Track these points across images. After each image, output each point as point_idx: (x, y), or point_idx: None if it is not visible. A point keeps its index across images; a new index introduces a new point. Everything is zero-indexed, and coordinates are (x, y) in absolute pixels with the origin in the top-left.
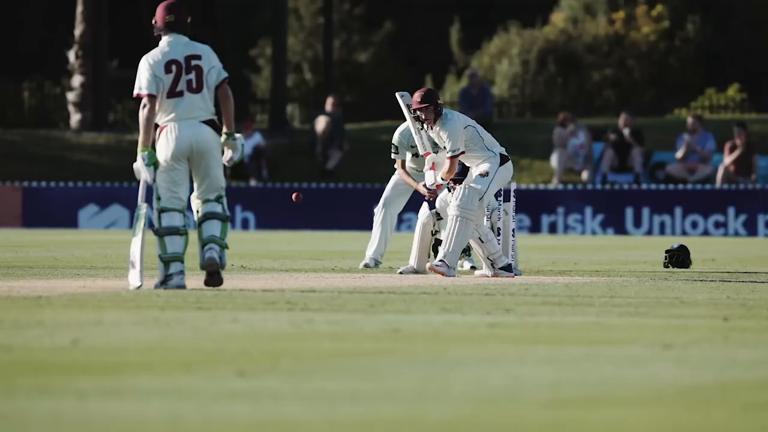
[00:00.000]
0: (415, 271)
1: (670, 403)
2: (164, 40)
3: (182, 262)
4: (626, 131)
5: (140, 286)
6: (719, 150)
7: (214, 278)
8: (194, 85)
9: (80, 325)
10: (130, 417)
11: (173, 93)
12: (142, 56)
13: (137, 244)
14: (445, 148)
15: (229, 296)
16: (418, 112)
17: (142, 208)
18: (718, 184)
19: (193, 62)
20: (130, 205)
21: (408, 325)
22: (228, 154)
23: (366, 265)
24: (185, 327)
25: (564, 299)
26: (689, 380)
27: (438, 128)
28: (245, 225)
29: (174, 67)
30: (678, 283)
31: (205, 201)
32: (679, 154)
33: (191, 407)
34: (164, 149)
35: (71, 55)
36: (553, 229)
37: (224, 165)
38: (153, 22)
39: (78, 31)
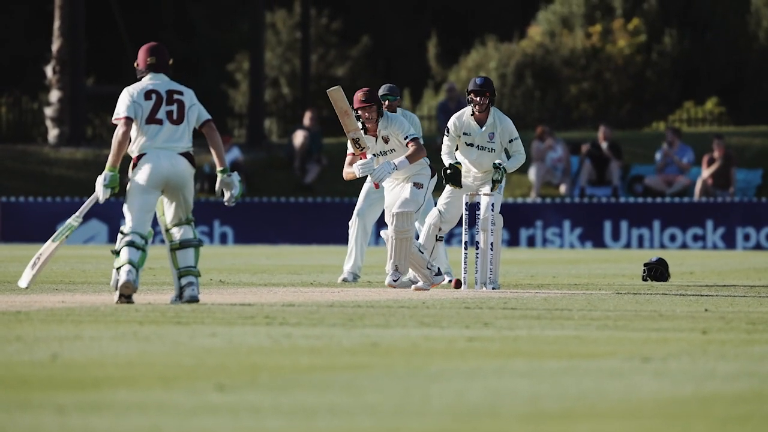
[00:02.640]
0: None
1: (650, 416)
2: (146, 78)
3: (134, 266)
4: (604, 145)
5: (26, 288)
6: (697, 163)
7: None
8: (175, 116)
9: (59, 339)
10: (109, 431)
11: (152, 119)
12: (119, 68)
13: (50, 249)
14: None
15: (208, 311)
16: (359, 112)
17: (77, 221)
18: (696, 197)
19: (175, 96)
20: (109, 220)
21: (386, 339)
22: (227, 194)
23: (344, 280)
24: (164, 341)
25: (543, 312)
26: (668, 393)
27: (384, 127)
28: (223, 239)
29: (154, 96)
30: (656, 297)
31: (177, 224)
32: (658, 158)
33: (170, 421)
34: (141, 176)
35: (48, 70)
36: (531, 242)
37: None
38: (135, 65)
39: (55, 46)
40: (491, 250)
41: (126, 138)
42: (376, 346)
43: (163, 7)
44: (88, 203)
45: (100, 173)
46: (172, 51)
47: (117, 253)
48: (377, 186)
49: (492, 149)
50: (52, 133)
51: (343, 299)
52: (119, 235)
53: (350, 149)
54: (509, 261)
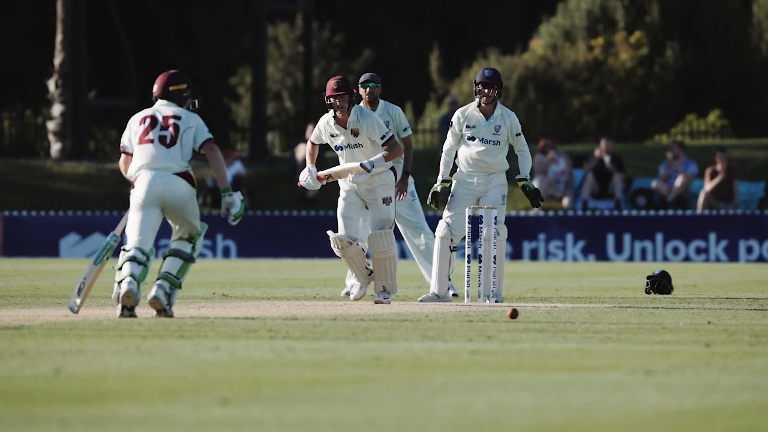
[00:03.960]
0: (437, 297)
1: (653, 428)
2: (156, 104)
3: (135, 279)
4: (607, 158)
5: (76, 311)
6: (700, 176)
7: (160, 314)
8: (168, 140)
9: (62, 353)
10: None
11: (143, 140)
12: (121, 82)
13: (93, 272)
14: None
15: (211, 324)
16: (331, 99)
17: (115, 240)
18: (699, 209)
19: (171, 120)
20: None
21: (390, 353)
22: (230, 213)
23: (347, 293)
24: (167, 355)
25: (546, 326)
26: (671, 406)
27: (355, 120)
28: (226, 253)
29: (148, 120)
30: (660, 309)
31: (179, 239)
32: (662, 171)
33: None
34: (138, 194)
35: (51, 84)
36: (534, 255)
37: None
38: (151, 90)
39: (58, 60)
40: (494, 263)
41: (126, 166)
42: (380, 360)
43: (165, 21)
44: (125, 220)
45: (103, 187)
46: (174, 65)
47: (119, 269)
48: (299, 183)
49: (497, 142)
50: (55, 147)
51: (346, 313)
52: (121, 253)
53: (314, 142)
54: (512, 274)
